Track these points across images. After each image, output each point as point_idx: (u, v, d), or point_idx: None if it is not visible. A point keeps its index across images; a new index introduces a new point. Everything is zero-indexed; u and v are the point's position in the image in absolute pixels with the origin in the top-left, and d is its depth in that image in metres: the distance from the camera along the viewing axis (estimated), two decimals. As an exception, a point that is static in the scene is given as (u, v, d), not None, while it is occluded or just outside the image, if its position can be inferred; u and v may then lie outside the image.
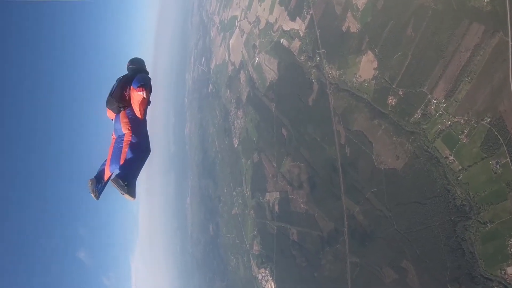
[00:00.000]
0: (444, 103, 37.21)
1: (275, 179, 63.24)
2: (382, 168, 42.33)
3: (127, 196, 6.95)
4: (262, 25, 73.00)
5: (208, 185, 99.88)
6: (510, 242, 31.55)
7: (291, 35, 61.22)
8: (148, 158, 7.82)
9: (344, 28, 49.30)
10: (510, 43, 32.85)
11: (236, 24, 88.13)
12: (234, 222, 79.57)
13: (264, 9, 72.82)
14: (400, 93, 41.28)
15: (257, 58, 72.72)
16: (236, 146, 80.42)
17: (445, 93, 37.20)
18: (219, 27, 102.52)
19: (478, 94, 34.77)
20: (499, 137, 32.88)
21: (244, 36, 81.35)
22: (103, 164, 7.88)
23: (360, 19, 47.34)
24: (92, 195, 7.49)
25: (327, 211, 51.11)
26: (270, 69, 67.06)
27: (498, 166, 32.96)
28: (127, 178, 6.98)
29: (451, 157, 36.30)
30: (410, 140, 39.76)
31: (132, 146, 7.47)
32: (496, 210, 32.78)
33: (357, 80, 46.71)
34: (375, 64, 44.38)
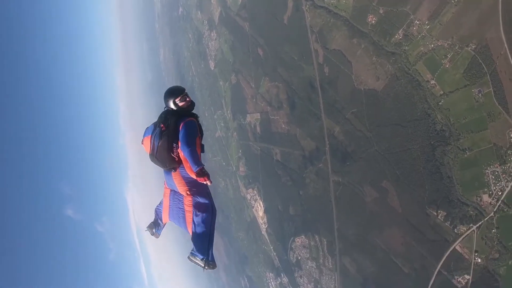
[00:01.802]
0: (427, 24, 34.64)
1: (254, 100, 61.08)
2: (362, 89, 40.65)
3: (208, 270, 6.23)
4: None
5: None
6: (487, 171, 31.56)
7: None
8: (216, 216, 6.48)
9: None
10: None
11: None
12: (218, 145, 78.37)
13: None
14: (381, 11, 38.18)
15: (227, -22, 65.88)
16: (212, 68, 76.49)
17: (429, 14, 34.42)
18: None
19: (465, 18, 32.27)
20: (483, 65, 31.24)
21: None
22: (159, 209, 6.88)
23: None
24: (153, 236, 6.94)
25: (308, 131, 50.10)
26: (242, -14, 61.07)
27: (480, 95, 31.80)
28: (203, 253, 6.11)
29: (432, 81, 34.77)
30: (391, 61, 37.65)
31: (197, 215, 6.20)
32: (475, 138, 32.30)
33: (334, -4, 42.81)
34: (357, -22, 40.38)
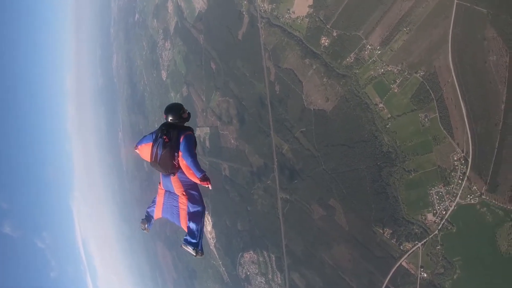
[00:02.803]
0: (378, 50, 35.25)
1: (204, 114, 59.37)
2: (312, 109, 40.42)
3: (198, 257, 7.11)
4: None
5: (139, 120, 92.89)
6: (431, 191, 32.58)
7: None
8: (205, 213, 7.39)
9: None
10: (455, 1, 30.78)
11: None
12: (167, 158, 75.05)
13: None
14: (334, 34, 38.41)
15: (185, -14, 63.76)
16: (164, 79, 73.74)
17: (381, 40, 35.08)
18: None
19: (415, 46, 33.16)
20: (430, 92, 32.27)
21: (173, -38, 70.43)
22: (152, 207, 7.54)
23: None
24: (144, 231, 7.66)
25: (257, 148, 49.22)
26: (200, -2, 59.32)
27: (426, 119, 32.77)
28: (198, 244, 6.99)
29: (381, 105, 35.23)
30: (341, 83, 37.79)
31: (191, 212, 7.10)
32: (420, 160, 33.18)
33: (290, 16, 42.62)
34: (311, 1, 40.46)
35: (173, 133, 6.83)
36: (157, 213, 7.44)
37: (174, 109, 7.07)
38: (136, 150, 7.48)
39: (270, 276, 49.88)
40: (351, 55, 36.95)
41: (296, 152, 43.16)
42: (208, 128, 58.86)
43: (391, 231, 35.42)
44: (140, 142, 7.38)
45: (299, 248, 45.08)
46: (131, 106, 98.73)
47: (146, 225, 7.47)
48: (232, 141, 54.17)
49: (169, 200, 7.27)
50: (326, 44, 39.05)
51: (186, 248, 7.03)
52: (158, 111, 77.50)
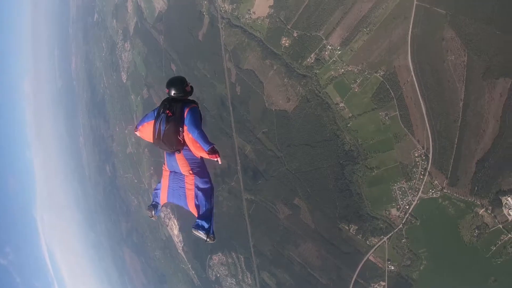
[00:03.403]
0: (339, 50, 35.49)
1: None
2: (273, 109, 40.20)
3: (209, 241, 6.45)
4: None
5: (99, 124, 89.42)
6: (394, 187, 33.30)
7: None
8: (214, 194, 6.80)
9: None
10: (415, 2, 31.44)
11: None
12: (129, 161, 73.21)
13: None
14: (295, 34, 38.35)
15: (145, -15, 61.67)
16: (124, 81, 71.08)
17: (341, 41, 35.35)
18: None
19: (375, 46, 33.58)
20: (390, 90, 32.84)
21: (133, -40, 68.04)
22: (157, 193, 7.01)
23: None
24: (152, 218, 7.01)
25: (220, 149, 46.09)
26: (160, -2, 57.47)
27: (387, 118, 33.38)
28: (210, 228, 6.42)
29: (341, 104, 35.53)
30: (302, 83, 37.80)
31: (199, 192, 6.53)
32: (382, 157, 33.80)
33: (250, 17, 42.14)
34: (271, 2, 40.17)
35: (177, 106, 6.42)
36: (163, 198, 6.93)
37: (177, 82, 6.70)
38: (136, 133, 7.13)
39: (240, 277, 49.53)
40: (312, 55, 37.03)
41: (259, 153, 42.85)
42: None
43: (357, 227, 35.99)
44: (140, 122, 6.94)
45: (267, 248, 44.87)
46: (92, 110, 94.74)
47: (153, 212, 6.92)
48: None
49: (175, 181, 6.75)
50: (286, 44, 38.89)
51: (197, 233, 6.43)
52: (119, 113, 75.15)
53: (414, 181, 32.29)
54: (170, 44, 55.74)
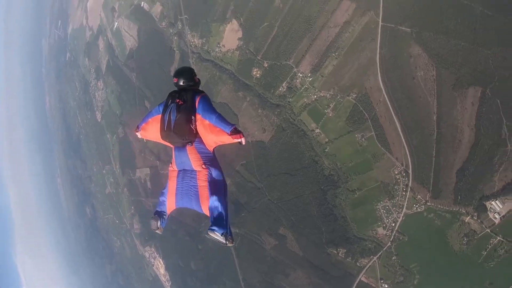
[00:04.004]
0: (310, 77, 36.09)
1: (143, 154, 57.59)
2: (250, 141, 40.01)
3: (228, 245, 5.56)
4: (122, -15, 62.24)
5: (76, 164, 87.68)
6: (378, 207, 33.38)
7: (153, -3, 53.02)
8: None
9: None
10: (380, 23, 32.42)
11: (95, -17, 73.74)
12: (109, 202, 71.57)
13: (125, -33, 61.90)
14: (265, 65, 39.01)
15: (116, 23, 62.49)
16: (99, 120, 70.39)
17: (311, 67, 36.02)
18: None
19: (345, 70, 34.34)
20: (364, 112, 33.37)
21: (103, -3, 68.86)
22: (162, 198, 6.21)
23: None
24: (157, 231, 6.13)
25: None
26: (130, 36, 58.30)
27: (363, 139, 33.80)
28: (222, 228, 5.52)
29: (317, 130, 35.89)
30: (276, 113, 38.20)
31: (214, 189, 5.79)
32: (363, 179, 33.97)
33: (220, 50, 42.82)
34: (240, 34, 41.05)
35: (187, 95, 5.97)
36: (170, 204, 6.18)
37: (186, 70, 6.39)
38: (137, 134, 6.56)
39: (233, 312, 47.80)
40: (284, 84, 37.56)
41: (239, 186, 42.43)
42: (148, 168, 56.83)
43: (345, 250, 35.79)
44: (143, 121, 6.43)
45: (256, 280, 43.96)
46: (67, 150, 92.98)
47: (158, 223, 6.14)
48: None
49: (185, 180, 6.01)
50: (258, 75, 39.45)
51: (213, 236, 5.58)
52: (96, 153, 73.90)
53: (397, 198, 32.47)
54: (142, 81, 55.84)
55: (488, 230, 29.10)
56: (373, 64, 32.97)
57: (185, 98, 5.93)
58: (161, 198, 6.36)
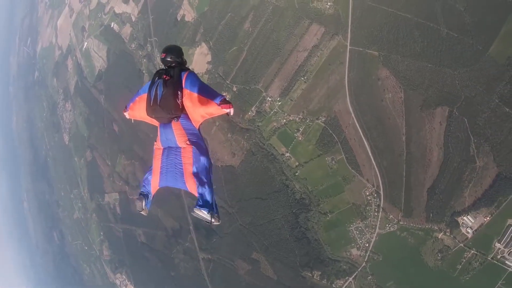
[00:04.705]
0: (279, 101, 36.42)
1: (111, 178, 56.39)
2: (219, 165, 39.82)
3: (215, 223, 5.53)
4: (93, 5, 62.68)
5: (44, 188, 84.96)
6: (351, 228, 33.55)
7: (122, 19, 53.48)
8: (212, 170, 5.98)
9: (179, 16, 44.71)
10: (348, 47, 33.19)
11: (66, 1, 73.63)
12: (78, 227, 69.52)
13: (97, -14, 61.91)
14: (234, 89, 39.22)
15: (85, 43, 62.29)
16: (67, 143, 69.01)
17: (280, 91, 36.36)
18: (48, 4, 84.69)
19: (314, 93, 34.80)
20: (334, 135, 33.79)
21: (74, 16, 68.82)
22: (147, 178, 6.05)
23: (196, 7, 43.46)
24: (142, 213, 5.91)
25: (170, 210, 47.11)
26: (99, 56, 58.05)
27: (334, 162, 34.09)
28: (208, 205, 5.43)
29: (287, 154, 36.03)
30: (246, 137, 38.23)
31: (198, 165, 5.68)
32: (334, 201, 34.19)
33: (189, 74, 42.15)
34: (209, 58, 41.31)
35: (174, 71, 5.88)
36: (154, 183, 5.98)
37: (176, 48, 6.24)
38: (125, 113, 6.43)
39: None
40: (253, 108, 37.71)
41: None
42: (117, 193, 55.67)
43: (320, 273, 35.63)
44: (130, 101, 6.32)
45: (232, 306, 43.02)
46: (35, 173, 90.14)
47: (143, 203, 5.96)
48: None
49: (170, 158, 5.86)
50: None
51: (199, 213, 5.44)
52: (63, 177, 71.83)
53: (370, 219, 32.77)
54: (111, 104, 55.18)
55: (462, 245, 29.70)
56: (342, 87, 33.62)
57: (172, 74, 5.89)
58: (147, 176, 6.24)
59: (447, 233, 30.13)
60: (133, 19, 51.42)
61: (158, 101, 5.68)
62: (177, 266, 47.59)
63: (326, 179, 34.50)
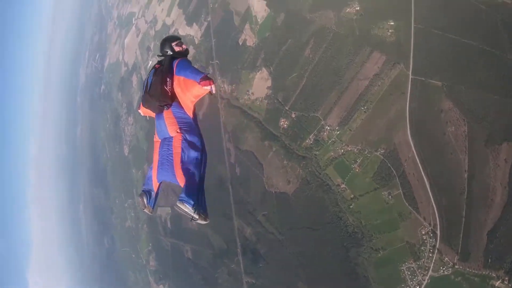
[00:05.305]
0: (337, 130, 35.34)
1: (165, 193, 55.81)
2: (273, 192, 39.38)
3: (200, 221, 5.18)
4: (158, 26, 65.89)
5: (100, 194, 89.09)
6: (402, 268, 31.29)
7: (186, 41, 54.97)
8: (207, 164, 5.70)
9: (240, 41, 45.35)
10: (410, 76, 31.78)
11: (133, 21, 78.36)
12: (128, 235, 71.88)
13: (162, 9, 65.60)
14: (293, 115, 38.62)
15: (150, 62, 65.12)
16: (126, 154, 71.98)
17: (339, 120, 35.35)
18: (116, 23, 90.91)
19: (374, 124, 33.49)
20: (392, 168, 32.05)
21: (140, 36, 72.96)
22: (150, 173, 6.03)
23: (258, 32, 43.80)
24: (145, 211, 5.97)
25: (220, 230, 47.06)
26: (162, 75, 59.82)
27: (390, 197, 32.26)
28: (194, 199, 5.13)
29: (343, 185, 34.69)
30: (302, 165, 37.33)
31: (187, 154, 5.53)
32: (388, 238, 32.20)
33: (249, 98, 43.01)
34: (269, 83, 41.22)
35: (166, 60, 6.06)
36: (154, 179, 5.92)
37: (164, 39, 6.42)
38: (140, 111, 6.52)
39: None
40: (311, 136, 36.94)
41: (259, 236, 41.36)
42: (169, 208, 56.17)
43: None
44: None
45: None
46: (93, 179, 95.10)
47: (145, 200, 5.93)
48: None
49: (163, 149, 5.74)
50: (285, 125, 39.10)
51: (183, 208, 5.12)
52: (120, 186, 74.99)
53: (423, 259, 30.36)
54: (170, 121, 56.74)
55: (521, 294, 26.71)
56: (402, 118, 31.98)
57: (163, 62, 6.07)
58: (148, 174, 6.20)
59: (505, 281, 26.85)
60: (196, 41, 53.25)
61: (148, 90, 5.78)
62: (220, 286, 47.16)
63: (381, 214, 32.68)
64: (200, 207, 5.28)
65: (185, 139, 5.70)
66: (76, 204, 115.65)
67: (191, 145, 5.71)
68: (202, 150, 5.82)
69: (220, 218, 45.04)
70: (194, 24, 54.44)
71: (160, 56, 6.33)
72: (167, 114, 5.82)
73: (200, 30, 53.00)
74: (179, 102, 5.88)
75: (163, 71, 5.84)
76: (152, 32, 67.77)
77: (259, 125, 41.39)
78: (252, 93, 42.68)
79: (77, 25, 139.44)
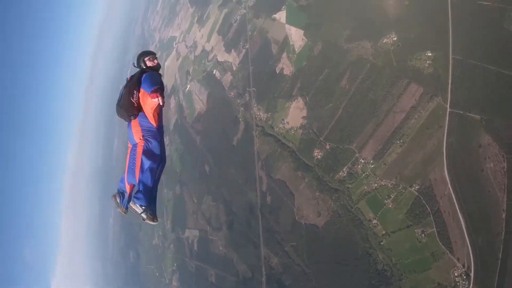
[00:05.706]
0: (372, 164, 34.59)
1: (195, 216, 57.80)
2: (303, 223, 38.75)
3: (148, 221, 5.95)
4: (198, 51, 67.82)
5: (130, 210, 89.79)
6: None
7: (224, 67, 56.76)
8: (163, 170, 6.43)
9: (277, 69, 45.79)
10: (448, 109, 30.91)
11: (174, 45, 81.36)
12: (154, 253, 72.44)
13: (202, 35, 67.61)
14: (327, 147, 38.25)
15: (188, 86, 67.16)
16: (160, 174, 72.97)
17: (374, 154, 34.62)
18: (158, 46, 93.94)
19: (409, 159, 32.54)
20: (426, 206, 30.92)
21: (180, 60, 75.23)
22: (123, 176, 6.55)
23: (295, 62, 44.11)
24: (119, 210, 6.45)
25: (246, 258, 46.64)
26: (200, 100, 61.71)
27: (423, 235, 31.03)
28: (145, 201, 5.90)
29: (374, 221, 33.72)
30: (334, 197, 36.65)
31: (145, 158, 6.14)
32: (419, 278, 30.78)
33: (284, 127, 43.04)
34: (305, 113, 41.20)
35: (136, 73, 6.58)
36: (126, 181, 6.50)
37: (141, 54, 6.93)
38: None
39: None
40: (344, 168, 36.30)
41: (285, 267, 40.45)
42: (197, 231, 56.83)
43: None
44: None
45: None
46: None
47: (118, 200, 6.40)
48: (221, 248, 51.73)
49: (131, 154, 6.45)
50: (319, 156, 38.72)
51: (134, 208, 5.95)
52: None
53: None
54: (206, 145, 57.78)
55: None
56: (439, 153, 30.81)
57: (133, 76, 6.56)
58: (121, 176, 6.64)
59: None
60: (234, 68, 54.20)
61: (119, 101, 6.34)
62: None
63: (413, 253, 31.28)
64: (149, 209, 5.98)
65: (147, 146, 6.29)
66: (106, 217, 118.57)
67: (150, 152, 6.27)
68: (160, 157, 6.39)
69: (248, 245, 44.82)
70: (233, 50, 55.58)
71: (136, 67, 6.88)
72: (134, 122, 6.45)
73: (238, 57, 53.98)
74: (144, 113, 6.43)
75: (132, 84, 6.41)
76: (191, 57, 69.77)
77: (293, 155, 41.13)
78: (287, 122, 42.73)
79: (121, 43, 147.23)
